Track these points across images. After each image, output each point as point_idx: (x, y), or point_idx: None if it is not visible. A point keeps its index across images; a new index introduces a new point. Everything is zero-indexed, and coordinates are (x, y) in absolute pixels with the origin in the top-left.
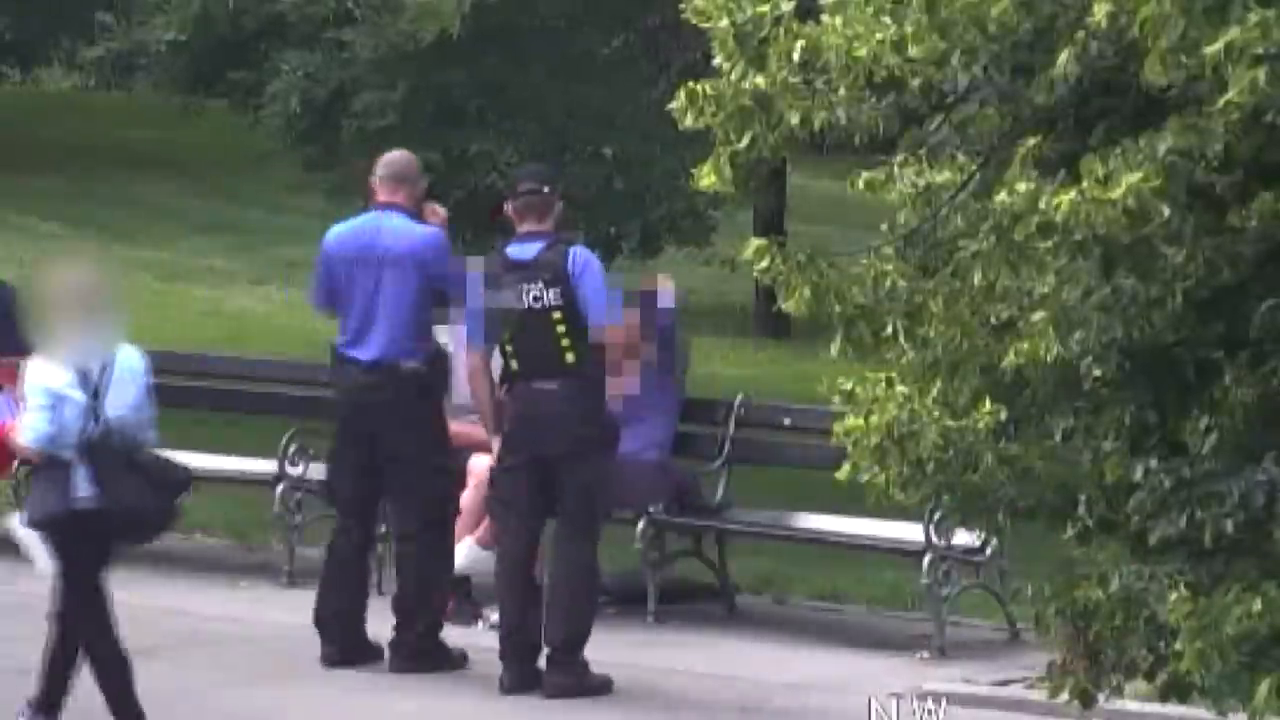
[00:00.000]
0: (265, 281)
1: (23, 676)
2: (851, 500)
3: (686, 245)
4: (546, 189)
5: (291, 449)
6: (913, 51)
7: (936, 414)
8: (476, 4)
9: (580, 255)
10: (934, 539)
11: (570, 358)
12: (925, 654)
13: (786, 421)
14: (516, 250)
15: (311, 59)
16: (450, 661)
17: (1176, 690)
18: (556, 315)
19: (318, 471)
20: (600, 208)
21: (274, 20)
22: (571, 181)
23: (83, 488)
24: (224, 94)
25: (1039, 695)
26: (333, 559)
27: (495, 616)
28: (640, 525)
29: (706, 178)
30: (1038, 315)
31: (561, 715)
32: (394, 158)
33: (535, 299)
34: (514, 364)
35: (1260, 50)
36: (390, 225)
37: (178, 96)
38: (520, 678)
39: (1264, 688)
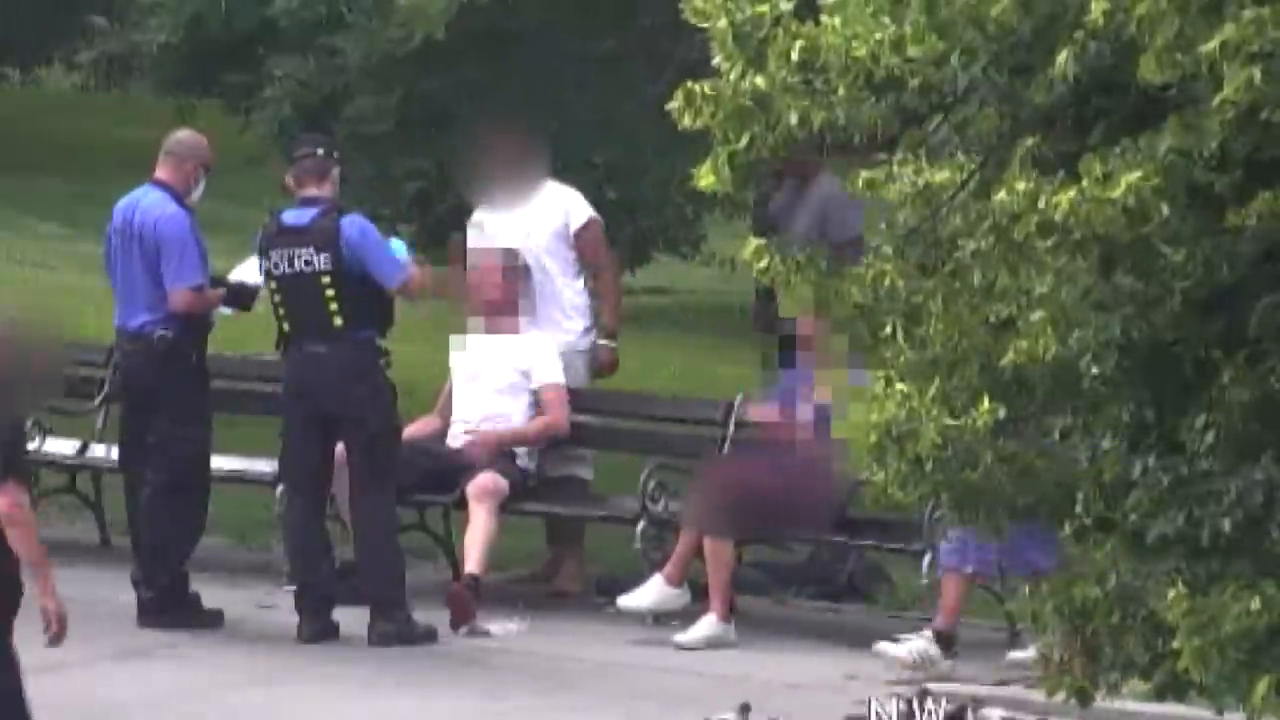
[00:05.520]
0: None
1: (23, 676)
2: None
3: (676, 255)
4: (321, 152)
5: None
6: (912, 51)
7: (935, 412)
8: (464, 6)
9: (354, 223)
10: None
11: (339, 321)
12: None
13: None
14: (292, 216)
15: (304, 64)
16: (203, 619)
17: (1174, 688)
18: (325, 280)
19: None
20: None
21: (266, 24)
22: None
23: None
24: (219, 95)
25: (1039, 695)
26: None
27: (513, 625)
28: (640, 525)
29: (705, 178)
30: (1036, 314)
31: (560, 715)
32: (175, 135)
33: (306, 263)
34: (285, 326)
35: (1256, 48)
36: (145, 201)
37: (171, 98)
38: (316, 630)
39: (1262, 686)
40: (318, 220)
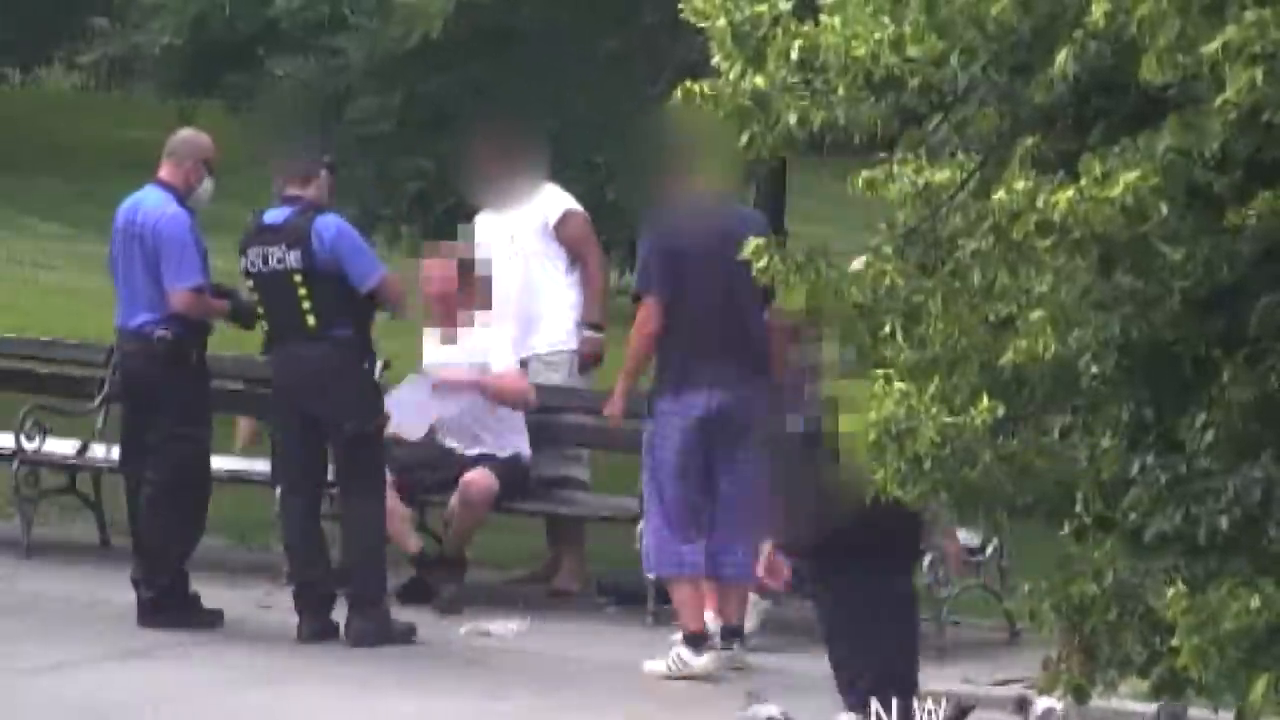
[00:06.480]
0: None
1: (23, 676)
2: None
3: None
4: (325, 157)
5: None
6: (911, 51)
7: (934, 411)
8: (464, 4)
9: (328, 222)
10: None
11: (311, 321)
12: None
13: None
14: (271, 215)
15: (305, 65)
16: (203, 619)
17: (1172, 686)
18: (297, 278)
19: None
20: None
21: (268, 25)
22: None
23: None
24: (220, 96)
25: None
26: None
27: (513, 625)
28: (640, 525)
29: None
30: (1036, 313)
31: (560, 714)
32: (176, 134)
33: (278, 261)
34: (266, 326)
35: (1257, 49)
36: (147, 201)
37: (173, 99)
38: (315, 630)
39: (1260, 684)
40: (292, 219)
